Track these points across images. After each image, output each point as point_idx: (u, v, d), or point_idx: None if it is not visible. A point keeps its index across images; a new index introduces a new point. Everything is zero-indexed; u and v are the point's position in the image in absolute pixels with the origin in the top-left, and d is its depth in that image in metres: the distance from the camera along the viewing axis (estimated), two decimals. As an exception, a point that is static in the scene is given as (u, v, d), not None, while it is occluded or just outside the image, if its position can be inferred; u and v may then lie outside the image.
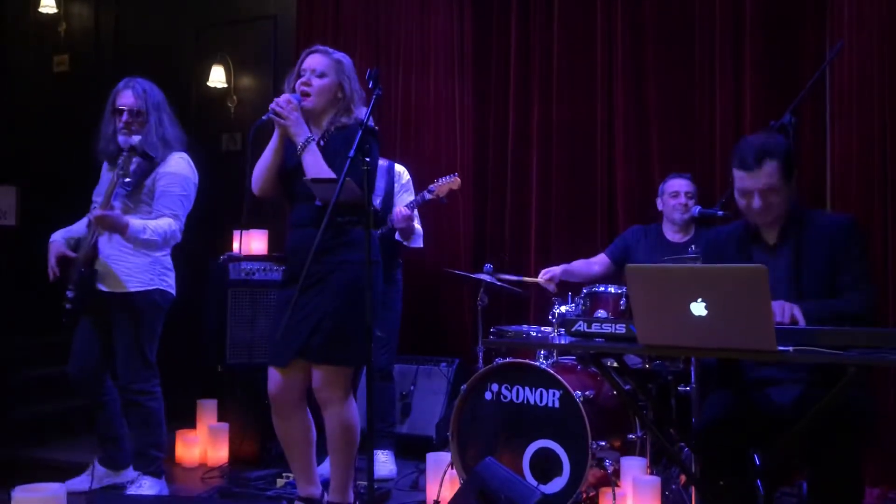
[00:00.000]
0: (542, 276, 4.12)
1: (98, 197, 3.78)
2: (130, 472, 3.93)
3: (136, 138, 3.61)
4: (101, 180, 3.88)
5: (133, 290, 3.69)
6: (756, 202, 2.70)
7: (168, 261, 3.82)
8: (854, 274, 2.67)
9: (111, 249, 3.69)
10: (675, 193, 4.19)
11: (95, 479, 3.88)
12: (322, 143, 3.17)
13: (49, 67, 6.50)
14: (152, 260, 3.73)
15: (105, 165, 3.87)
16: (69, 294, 3.66)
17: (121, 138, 3.71)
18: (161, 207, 3.69)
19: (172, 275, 3.84)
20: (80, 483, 3.86)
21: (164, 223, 3.67)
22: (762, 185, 2.67)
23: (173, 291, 3.83)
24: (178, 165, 3.74)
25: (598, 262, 4.29)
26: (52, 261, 3.68)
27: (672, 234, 4.23)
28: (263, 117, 3.09)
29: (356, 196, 2.86)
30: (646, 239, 4.25)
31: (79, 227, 3.84)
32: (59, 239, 3.76)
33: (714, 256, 2.92)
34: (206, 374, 4.71)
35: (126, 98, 3.75)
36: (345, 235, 3.09)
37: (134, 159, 3.60)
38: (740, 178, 2.72)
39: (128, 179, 3.61)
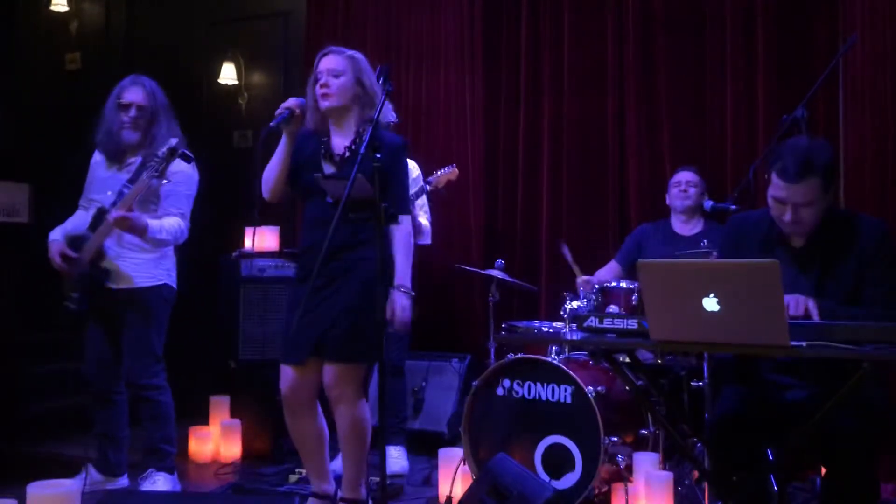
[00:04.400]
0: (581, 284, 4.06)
1: (96, 195, 3.74)
2: (124, 480, 3.88)
3: (174, 140, 3.54)
4: (95, 176, 3.83)
5: (142, 285, 3.71)
6: (788, 215, 2.59)
7: (173, 257, 3.85)
8: (881, 288, 2.59)
9: (119, 248, 3.70)
10: (678, 183, 4.27)
11: (89, 484, 3.74)
12: (353, 147, 3.17)
13: (61, 65, 6.53)
14: (159, 255, 3.77)
15: (100, 162, 3.83)
16: (74, 295, 3.64)
17: (126, 133, 3.71)
18: (169, 207, 3.72)
19: (175, 270, 3.87)
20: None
21: (174, 222, 3.70)
22: (799, 200, 2.55)
23: (176, 287, 3.86)
24: (182, 165, 3.72)
25: (611, 269, 4.32)
26: (57, 259, 3.66)
27: (680, 227, 4.25)
28: (272, 123, 3.08)
29: (367, 193, 2.86)
30: (655, 234, 4.28)
31: (76, 224, 3.80)
32: (59, 238, 3.73)
33: (735, 239, 2.85)
34: (218, 371, 4.73)
35: (135, 94, 3.75)
36: (362, 233, 3.07)
37: (170, 160, 3.51)
38: (777, 186, 2.57)
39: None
